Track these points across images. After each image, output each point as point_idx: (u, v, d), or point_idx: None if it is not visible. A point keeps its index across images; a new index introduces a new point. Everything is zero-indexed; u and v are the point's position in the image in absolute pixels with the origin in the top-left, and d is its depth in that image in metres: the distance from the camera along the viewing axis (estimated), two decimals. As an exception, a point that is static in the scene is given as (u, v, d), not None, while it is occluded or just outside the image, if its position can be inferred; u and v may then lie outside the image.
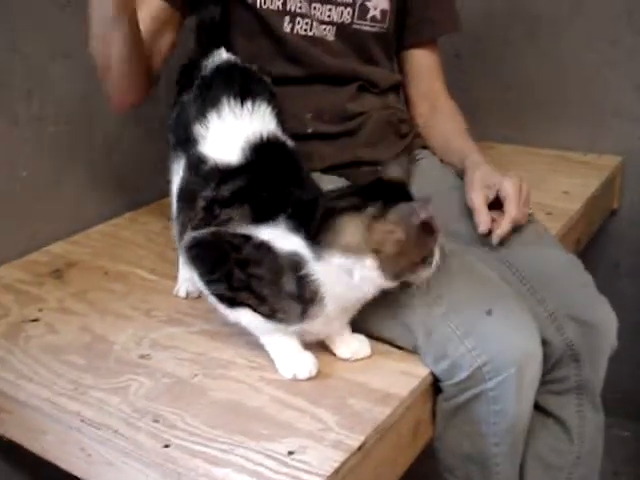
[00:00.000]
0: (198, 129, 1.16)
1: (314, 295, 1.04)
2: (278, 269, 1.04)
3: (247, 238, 1.06)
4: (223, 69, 1.24)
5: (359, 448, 0.96)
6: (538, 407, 1.23)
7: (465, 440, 1.15)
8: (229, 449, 0.95)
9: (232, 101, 1.16)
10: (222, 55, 1.27)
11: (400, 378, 1.10)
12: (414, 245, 1.01)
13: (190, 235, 1.12)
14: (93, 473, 1.07)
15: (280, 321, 1.07)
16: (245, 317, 1.10)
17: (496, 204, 1.32)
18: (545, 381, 1.20)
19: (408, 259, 1.02)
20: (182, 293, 1.37)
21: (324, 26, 1.41)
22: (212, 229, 1.09)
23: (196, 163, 1.15)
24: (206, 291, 1.14)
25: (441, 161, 1.54)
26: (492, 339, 1.09)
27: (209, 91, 1.19)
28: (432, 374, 1.13)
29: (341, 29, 1.42)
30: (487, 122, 2.17)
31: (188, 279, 1.37)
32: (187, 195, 1.16)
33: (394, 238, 1.00)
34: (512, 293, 1.17)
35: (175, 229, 1.21)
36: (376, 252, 1.00)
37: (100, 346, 1.21)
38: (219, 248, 1.08)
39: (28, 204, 1.60)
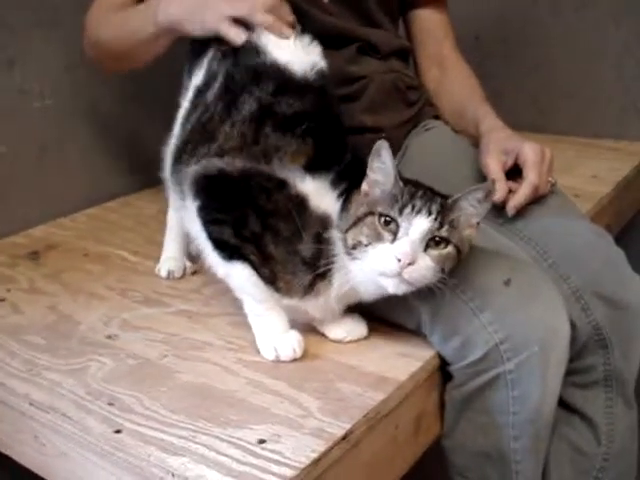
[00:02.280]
0: None
1: (326, 268, 0.92)
2: (303, 228, 0.91)
3: (282, 185, 0.92)
4: None
5: (344, 437, 0.81)
6: (561, 402, 1.06)
7: (479, 434, 1.00)
8: (189, 436, 0.81)
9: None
10: None
11: (399, 361, 0.96)
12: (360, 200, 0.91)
13: (214, 163, 0.95)
14: (46, 466, 0.94)
15: (278, 290, 0.95)
16: (238, 275, 0.95)
17: (515, 174, 1.17)
18: (569, 371, 1.03)
19: (354, 211, 0.90)
20: (163, 272, 1.24)
21: None
22: (245, 166, 0.93)
23: (243, 51, 1.01)
24: (203, 231, 0.97)
25: (455, 131, 1.39)
26: (511, 312, 0.94)
27: None
28: (439, 357, 0.99)
29: None
30: (510, 108, 2.01)
31: (171, 257, 1.25)
32: (224, 91, 0.99)
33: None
34: (534, 262, 1.01)
35: (177, 140, 1.05)
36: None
37: (65, 326, 1.09)
38: (242, 187, 0.93)
39: (8, 183, 1.48)
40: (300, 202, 0.92)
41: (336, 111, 1.04)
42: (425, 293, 0.90)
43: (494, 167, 1.14)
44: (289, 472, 0.75)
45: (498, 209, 1.14)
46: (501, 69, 2.09)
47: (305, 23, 1.25)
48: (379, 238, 0.86)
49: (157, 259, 1.28)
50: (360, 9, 1.34)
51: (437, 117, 1.42)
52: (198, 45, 1.12)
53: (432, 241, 0.87)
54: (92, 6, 1.30)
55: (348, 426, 0.82)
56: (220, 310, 1.10)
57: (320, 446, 0.79)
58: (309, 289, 0.94)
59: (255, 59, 1.00)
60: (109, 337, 1.04)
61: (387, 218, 0.86)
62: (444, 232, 0.87)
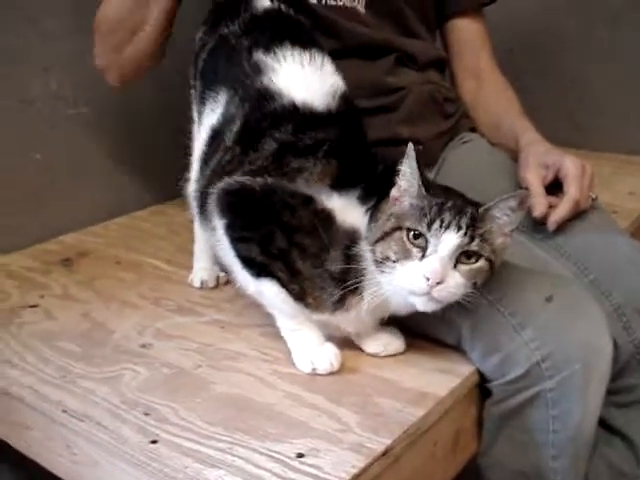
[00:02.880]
0: (263, 59, 0.99)
1: (356, 283, 0.89)
2: (330, 244, 0.89)
3: (308, 201, 0.91)
4: (277, 14, 1.08)
5: (384, 453, 0.79)
6: (601, 422, 1.03)
7: (517, 452, 0.97)
8: (226, 448, 0.80)
9: (301, 49, 1.01)
10: (266, 1, 1.10)
11: (438, 376, 0.94)
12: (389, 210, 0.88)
13: (235, 179, 0.93)
14: (77, 475, 0.93)
15: (307, 306, 0.93)
16: (268, 292, 0.94)
17: (555, 188, 1.14)
18: (609, 391, 1.01)
19: (383, 222, 0.88)
20: (197, 282, 1.23)
21: None
22: (265, 181, 0.91)
23: (259, 97, 0.97)
24: (230, 249, 0.96)
25: (492, 144, 1.37)
26: (553, 330, 0.92)
27: (269, 29, 1.04)
28: (478, 373, 0.96)
29: None
30: (546, 124, 1.99)
31: (203, 268, 1.24)
32: (244, 133, 0.97)
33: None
34: (576, 278, 0.99)
35: (199, 186, 1.03)
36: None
37: (99, 334, 1.08)
38: (266, 204, 0.91)
39: (41, 189, 1.48)
40: (326, 217, 0.90)
41: (362, 128, 1.02)
42: (465, 308, 0.88)
43: (533, 182, 1.13)
44: (329, 488, 0.73)
45: (538, 224, 1.12)
46: (536, 84, 2.06)
47: (341, 36, 1.25)
48: (407, 255, 0.84)
49: (190, 268, 1.27)
50: (397, 19, 1.33)
51: (474, 130, 1.41)
52: (211, 69, 1.10)
53: (463, 255, 0.84)
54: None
55: (388, 442, 0.80)
56: (253, 321, 1.09)
57: (360, 461, 0.77)
58: (339, 304, 0.92)
59: (273, 104, 0.96)
60: (143, 346, 1.03)
61: (415, 232, 0.84)
62: (475, 246, 0.84)
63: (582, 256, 1.10)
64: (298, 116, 0.95)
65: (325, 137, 0.94)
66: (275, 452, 0.79)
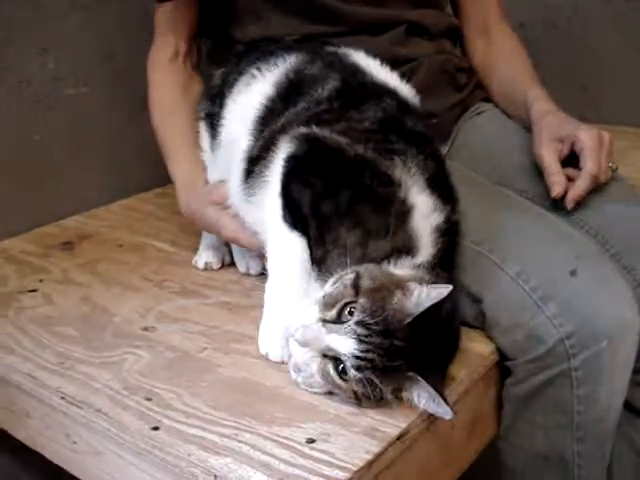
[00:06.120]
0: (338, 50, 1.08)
1: None
2: (390, 233, 0.82)
3: (395, 184, 0.84)
4: None
5: (399, 438, 0.75)
6: (624, 403, 0.98)
7: (538, 435, 0.93)
8: (232, 434, 0.76)
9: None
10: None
11: (456, 355, 0.89)
12: None
13: (335, 139, 0.87)
14: (78, 464, 0.89)
15: (318, 275, 0.85)
16: (289, 248, 0.86)
17: (572, 160, 1.09)
18: (633, 370, 0.96)
19: None
20: (200, 264, 1.19)
21: None
22: (365, 153, 0.86)
23: (352, 69, 1.02)
24: (279, 183, 0.88)
25: (507, 114, 1.31)
26: (578, 305, 0.87)
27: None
28: (498, 352, 0.92)
29: None
30: (557, 98, 1.94)
31: (210, 247, 1.19)
32: (344, 91, 0.96)
33: None
34: (600, 251, 0.94)
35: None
36: None
37: (99, 318, 1.04)
38: (353, 166, 0.85)
39: (40, 172, 1.44)
40: (402, 210, 0.83)
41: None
42: (486, 283, 0.84)
43: (549, 160, 1.07)
44: (341, 475, 0.69)
45: (556, 200, 1.07)
46: (548, 58, 1.99)
47: (342, 20, 1.19)
48: None
49: (194, 249, 1.23)
50: None
51: (488, 100, 1.35)
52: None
53: None
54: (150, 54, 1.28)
55: (403, 425, 0.76)
56: (261, 302, 1.03)
57: (374, 446, 0.73)
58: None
59: (368, 77, 1.00)
60: (145, 329, 0.99)
61: None
62: None
63: (603, 230, 1.04)
64: (396, 98, 0.97)
65: (424, 131, 0.95)
66: (284, 437, 0.75)
